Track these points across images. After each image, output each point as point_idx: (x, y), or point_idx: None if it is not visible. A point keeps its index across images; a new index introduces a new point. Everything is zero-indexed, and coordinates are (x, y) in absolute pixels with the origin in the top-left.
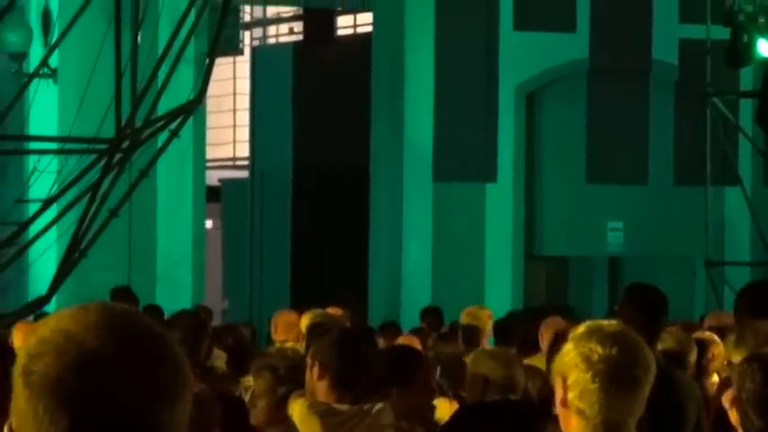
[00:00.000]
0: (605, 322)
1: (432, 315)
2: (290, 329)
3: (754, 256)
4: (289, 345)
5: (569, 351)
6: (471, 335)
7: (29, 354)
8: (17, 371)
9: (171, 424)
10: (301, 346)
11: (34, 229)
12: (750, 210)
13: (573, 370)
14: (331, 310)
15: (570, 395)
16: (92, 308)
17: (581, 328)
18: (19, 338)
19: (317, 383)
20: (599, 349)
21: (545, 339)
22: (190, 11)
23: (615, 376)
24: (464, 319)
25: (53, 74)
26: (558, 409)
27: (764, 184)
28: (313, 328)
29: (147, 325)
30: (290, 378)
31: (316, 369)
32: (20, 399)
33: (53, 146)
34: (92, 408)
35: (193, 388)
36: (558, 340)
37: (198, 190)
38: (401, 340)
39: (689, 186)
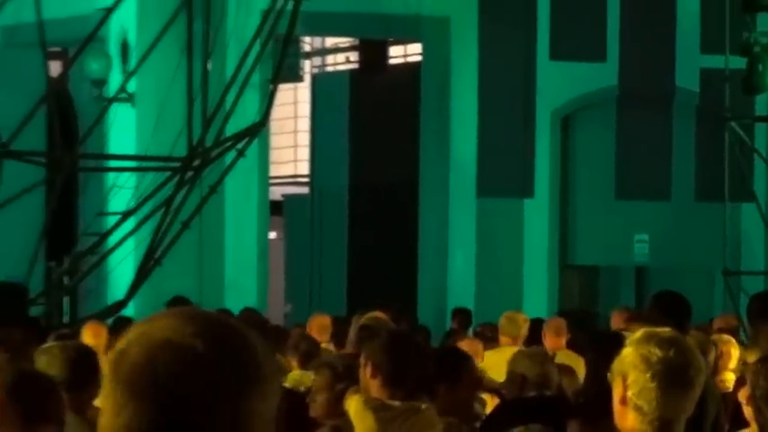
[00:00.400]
0: (660, 329)
1: (461, 315)
2: (322, 331)
3: None
4: (323, 346)
5: (629, 353)
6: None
7: (131, 351)
8: (108, 365)
9: (256, 413)
10: (332, 347)
11: (113, 239)
12: (764, 224)
13: (632, 370)
14: (377, 314)
15: (629, 393)
16: (183, 314)
17: (639, 333)
18: (89, 336)
19: (371, 381)
20: (657, 352)
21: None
22: (255, 41)
23: (671, 377)
24: (502, 321)
25: (131, 98)
26: (616, 406)
27: None
28: (362, 330)
29: (235, 326)
30: (347, 375)
31: (369, 368)
32: (108, 389)
33: (131, 164)
34: (175, 396)
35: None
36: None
37: (262, 204)
38: (463, 345)
39: (709, 202)
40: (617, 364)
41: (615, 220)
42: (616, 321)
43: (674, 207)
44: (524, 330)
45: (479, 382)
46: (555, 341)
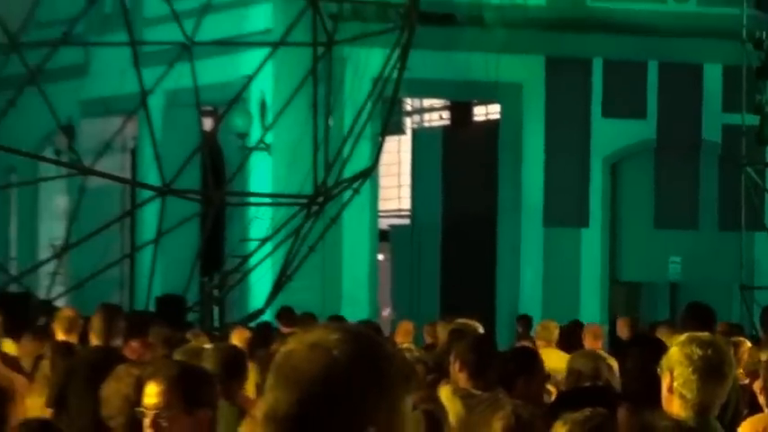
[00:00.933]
0: (700, 333)
1: (524, 321)
2: (407, 335)
3: None
4: (405, 346)
5: (675, 352)
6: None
7: (286, 353)
8: (274, 363)
9: (380, 408)
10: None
11: (253, 260)
12: None
13: (678, 366)
14: (464, 320)
15: (675, 384)
16: (333, 326)
17: (683, 337)
18: (236, 338)
19: (459, 374)
20: (698, 351)
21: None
22: (367, 102)
23: (709, 371)
24: (538, 329)
25: (268, 148)
26: (664, 394)
27: None
28: (452, 332)
29: (371, 337)
30: (436, 369)
31: (457, 364)
32: (270, 383)
33: (267, 200)
34: (307, 390)
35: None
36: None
37: (372, 233)
38: (545, 354)
39: (729, 231)
40: (665, 361)
41: (653, 245)
42: (621, 327)
43: (701, 235)
44: (555, 335)
45: (547, 376)
46: (593, 343)
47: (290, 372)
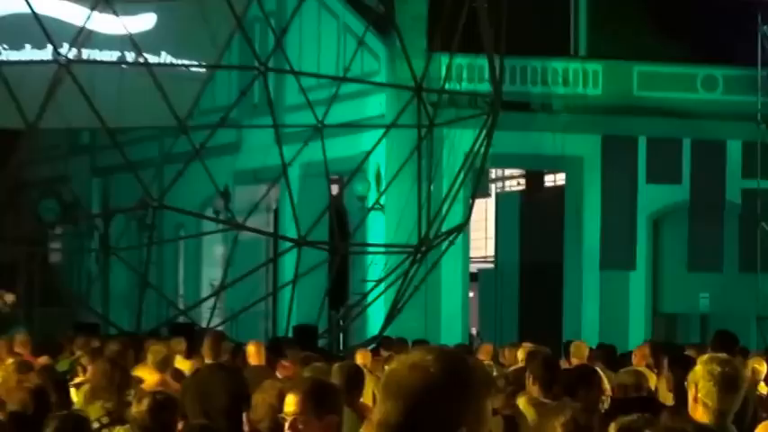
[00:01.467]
0: (719, 353)
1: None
2: (487, 354)
3: None
4: (486, 363)
5: (699, 369)
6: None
7: (393, 371)
8: (382, 381)
9: (469, 412)
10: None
11: (371, 296)
12: None
13: (701, 380)
14: (534, 345)
15: (699, 395)
16: (430, 348)
17: (706, 357)
18: (359, 358)
19: (532, 387)
20: (717, 368)
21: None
22: (460, 172)
23: (727, 384)
24: (572, 348)
25: (382, 208)
26: (691, 403)
27: None
28: (528, 354)
29: (461, 356)
30: (515, 382)
31: (531, 379)
32: (379, 396)
33: (382, 249)
34: (411, 400)
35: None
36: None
37: (465, 275)
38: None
39: (747, 273)
40: (691, 376)
41: (687, 284)
42: (637, 354)
43: (725, 276)
44: (586, 353)
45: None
46: (640, 361)
47: (396, 387)
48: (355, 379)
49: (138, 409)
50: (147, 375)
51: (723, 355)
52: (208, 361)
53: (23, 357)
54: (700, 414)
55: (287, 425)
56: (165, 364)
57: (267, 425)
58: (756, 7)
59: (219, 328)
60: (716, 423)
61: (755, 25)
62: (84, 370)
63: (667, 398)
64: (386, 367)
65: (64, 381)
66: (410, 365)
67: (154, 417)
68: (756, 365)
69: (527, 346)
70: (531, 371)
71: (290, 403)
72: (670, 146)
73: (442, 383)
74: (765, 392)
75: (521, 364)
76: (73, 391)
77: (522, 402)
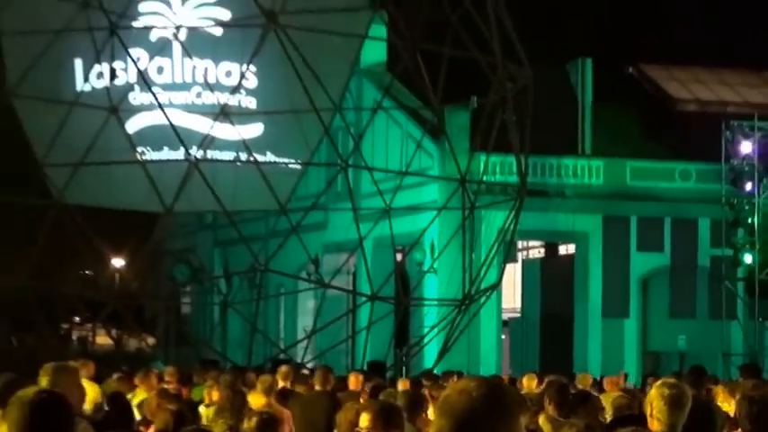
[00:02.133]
0: (670, 379)
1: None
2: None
3: (745, 350)
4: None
5: (653, 392)
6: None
7: (445, 395)
8: (438, 403)
9: (512, 428)
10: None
11: (427, 339)
12: (741, 330)
13: (655, 400)
14: (552, 376)
15: (654, 411)
16: (474, 378)
17: (658, 382)
18: (401, 385)
19: (548, 407)
20: (667, 390)
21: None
22: (494, 244)
23: (675, 403)
24: (578, 378)
25: (435, 271)
26: (649, 419)
27: (750, 318)
28: (548, 383)
29: (499, 383)
30: (537, 404)
31: (548, 401)
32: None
33: (435, 302)
34: (459, 419)
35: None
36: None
37: (498, 322)
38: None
39: (715, 320)
40: (648, 397)
41: (669, 328)
42: (608, 382)
43: (698, 322)
44: (590, 382)
45: (601, 408)
46: (613, 387)
47: (448, 408)
48: (415, 401)
49: (248, 425)
50: (256, 399)
51: (672, 380)
52: (318, 388)
53: (170, 385)
54: (655, 427)
55: None
56: (270, 391)
57: None
58: (720, 118)
59: (310, 364)
60: None
61: (720, 131)
62: (210, 395)
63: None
64: (442, 393)
65: (197, 403)
66: (459, 390)
67: (260, 429)
68: (721, 390)
69: (548, 377)
70: (548, 395)
71: (365, 420)
72: (655, 223)
73: (483, 404)
74: (731, 412)
75: (535, 390)
76: (202, 410)
77: (541, 419)
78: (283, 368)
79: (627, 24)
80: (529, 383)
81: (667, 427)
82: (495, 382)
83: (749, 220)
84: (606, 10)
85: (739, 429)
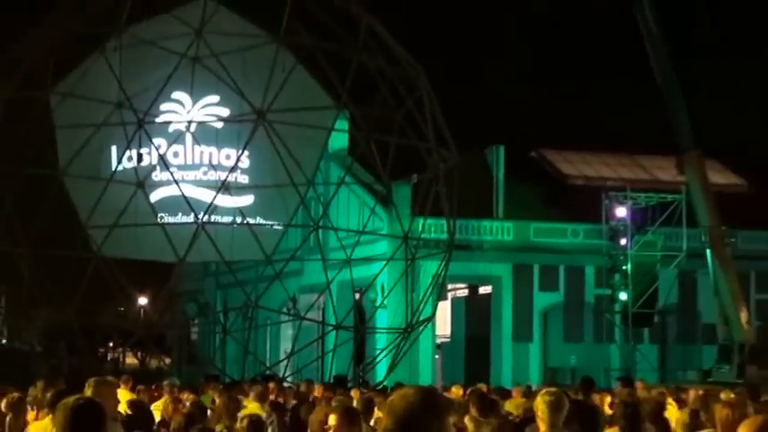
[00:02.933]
0: (552, 389)
1: (500, 389)
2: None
3: (621, 365)
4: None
5: (539, 399)
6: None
7: (390, 399)
8: (386, 406)
9: (442, 427)
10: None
11: (378, 359)
12: (620, 352)
13: (540, 404)
14: (475, 387)
15: (539, 413)
16: (412, 387)
17: (543, 390)
18: (353, 393)
19: (472, 409)
20: (548, 397)
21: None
22: (430, 287)
23: (554, 408)
24: (494, 389)
25: (385, 306)
26: (538, 420)
27: (625, 341)
28: (471, 391)
29: (432, 390)
30: (463, 407)
31: (471, 405)
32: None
33: (384, 331)
34: (399, 420)
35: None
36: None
37: (433, 345)
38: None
39: (598, 343)
40: (534, 404)
41: (563, 350)
42: (515, 391)
43: (585, 345)
44: (523, 391)
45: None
46: (517, 394)
47: (392, 409)
48: (369, 406)
49: (240, 425)
50: (250, 404)
51: (553, 389)
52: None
53: (179, 395)
54: (542, 427)
55: None
56: (261, 397)
57: None
58: (601, 190)
59: (289, 378)
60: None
61: (601, 200)
62: (214, 402)
63: None
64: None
65: (205, 408)
66: (400, 396)
67: (250, 429)
68: (606, 398)
69: (472, 387)
70: (471, 401)
71: (332, 419)
72: (552, 270)
73: (419, 406)
74: (610, 412)
75: (461, 397)
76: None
77: (466, 419)
78: (271, 384)
79: (531, 119)
80: (456, 391)
81: (549, 426)
82: (429, 389)
83: (624, 267)
84: (515, 109)
85: (616, 426)
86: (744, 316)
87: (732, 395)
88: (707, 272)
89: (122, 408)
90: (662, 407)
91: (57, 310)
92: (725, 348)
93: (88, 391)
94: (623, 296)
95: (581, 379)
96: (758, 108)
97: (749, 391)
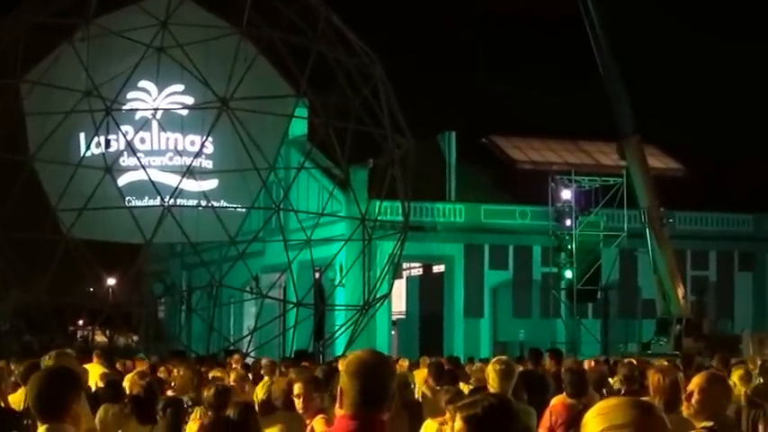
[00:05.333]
0: (503, 357)
1: (453, 359)
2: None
3: (567, 339)
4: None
5: (489, 368)
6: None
7: (347, 361)
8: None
9: (393, 388)
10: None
11: (337, 334)
12: (565, 326)
13: (490, 373)
14: (431, 359)
15: (489, 381)
16: (365, 350)
17: (494, 360)
18: (305, 363)
19: (429, 378)
20: (498, 366)
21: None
22: (386, 265)
23: (504, 376)
24: (447, 358)
25: (343, 285)
26: (488, 388)
27: (570, 317)
28: (429, 364)
29: (382, 354)
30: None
31: (429, 374)
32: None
33: (343, 308)
34: (359, 379)
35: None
36: None
37: (389, 321)
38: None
39: (545, 318)
40: (485, 372)
41: (512, 325)
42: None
43: (533, 320)
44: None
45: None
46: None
47: (354, 370)
48: (331, 374)
49: (207, 393)
50: (218, 374)
51: (504, 358)
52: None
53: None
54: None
55: (297, 402)
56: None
57: (282, 401)
58: (547, 173)
59: (252, 353)
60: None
61: (547, 183)
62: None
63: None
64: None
65: (163, 382)
66: (357, 358)
67: (216, 397)
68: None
69: (426, 359)
70: (429, 371)
71: (297, 389)
72: (501, 249)
73: (375, 369)
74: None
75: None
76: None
77: (424, 388)
78: (236, 356)
79: (481, 106)
80: (402, 364)
81: (499, 392)
82: (380, 353)
83: (569, 247)
84: (467, 95)
85: (564, 393)
86: (680, 292)
87: (665, 363)
88: (646, 250)
89: (94, 381)
90: (605, 376)
91: (28, 291)
92: (663, 322)
93: (49, 362)
94: (568, 274)
95: (530, 350)
96: (696, 95)
97: (684, 360)
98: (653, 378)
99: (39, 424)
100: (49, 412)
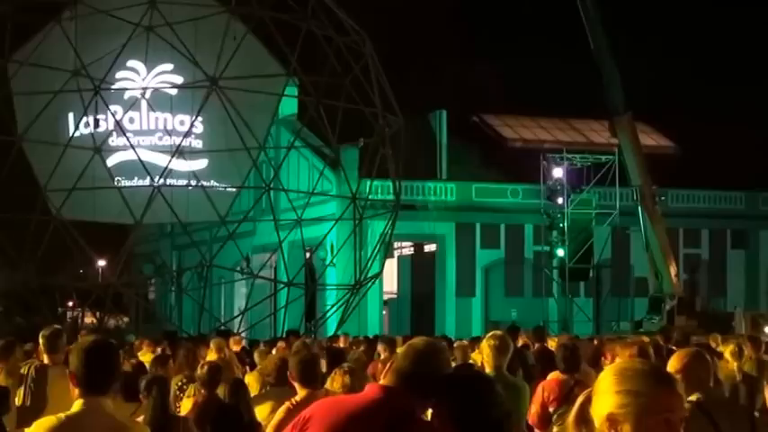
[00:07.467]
0: (498, 332)
1: (445, 338)
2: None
3: (559, 318)
4: None
5: (484, 342)
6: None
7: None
8: (402, 350)
9: (444, 371)
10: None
11: (329, 314)
12: (557, 305)
13: (485, 348)
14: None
15: (483, 356)
16: (421, 339)
17: (489, 335)
18: (343, 342)
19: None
20: (492, 341)
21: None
22: (377, 244)
23: (499, 350)
24: (456, 343)
25: (335, 265)
26: (481, 363)
27: (562, 295)
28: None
29: (432, 341)
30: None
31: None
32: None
33: (334, 287)
34: (412, 369)
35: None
36: None
37: (381, 301)
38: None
39: (537, 297)
40: (480, 347)
41: (504, 304)
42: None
43: (525, 299)
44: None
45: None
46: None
47: (406, 356)
48: (338, 355)
49: (200, 371)
50: (210, 355)
51: (498, 332)
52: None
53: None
54: (487, 369)
55: (289, 373)
56: (219, 349)
57: (274, 375)
58: (539, 152)
59: (243, 333)
60: (495, 374)
61: (539, 161)
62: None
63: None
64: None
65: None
66: (411, 346)
67: (208, 374)
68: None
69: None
70: None
71: (293, 365)
72: (493, 228)
73: (426, 354)
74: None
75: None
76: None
77: None
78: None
79: (473, 84)
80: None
81: (494, 368)
82: (431, 340)
83: (561, 225)
84: (457, 74)
85: (557, 370)
86: (673, 270)
87: (646, 339)
88: (638, 229)
89: None
90: (600, 352)
91: (17, 271)
92: (655, 300)
93: (42, 341)
94: (560, 252)
95: (535, 328)
96: (688, 72)
97: (662, 334)
98: (623, 353)
99: (78, 395)
100: (101, 384)
